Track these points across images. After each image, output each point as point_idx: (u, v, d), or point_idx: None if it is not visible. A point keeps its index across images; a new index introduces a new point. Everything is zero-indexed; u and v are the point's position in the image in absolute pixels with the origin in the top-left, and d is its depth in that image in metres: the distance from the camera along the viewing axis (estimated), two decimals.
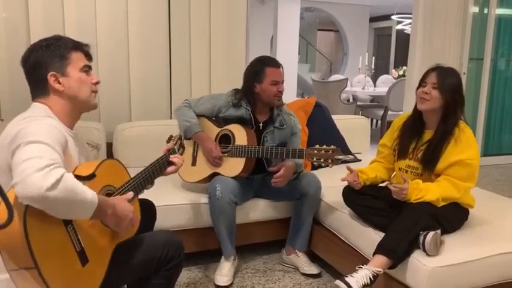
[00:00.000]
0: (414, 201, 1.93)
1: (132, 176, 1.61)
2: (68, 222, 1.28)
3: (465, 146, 1.96)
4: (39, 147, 1.22)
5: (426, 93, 1.99)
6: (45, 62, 1.45)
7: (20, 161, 1.17)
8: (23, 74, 1.50)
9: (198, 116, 2.47)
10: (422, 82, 2.04)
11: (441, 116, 2.01)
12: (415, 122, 2.10)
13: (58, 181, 1.15)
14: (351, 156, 2.13)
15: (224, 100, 2.47)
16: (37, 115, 1.39)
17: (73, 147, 1.47)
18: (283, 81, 2.41)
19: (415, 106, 2.09)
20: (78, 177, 1.28)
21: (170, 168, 1.77)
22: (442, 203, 1.94)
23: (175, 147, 1.83)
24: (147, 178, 1.64)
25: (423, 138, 2.07)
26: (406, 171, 2.10)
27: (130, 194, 1.50)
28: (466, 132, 1.99)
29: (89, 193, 1.24)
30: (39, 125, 1.32)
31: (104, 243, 1.44)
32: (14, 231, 1.15)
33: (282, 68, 2.43)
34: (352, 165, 2.17)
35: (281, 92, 2.40)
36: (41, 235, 1.19)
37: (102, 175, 1.44)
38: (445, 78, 1.98)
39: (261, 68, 2.38)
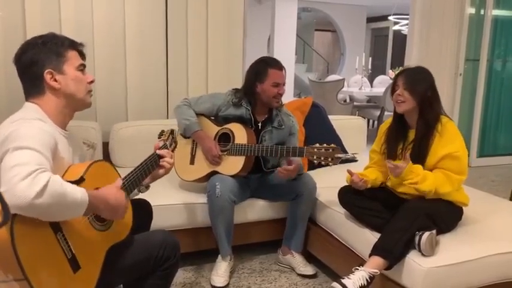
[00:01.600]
0: (407, 184, 1.97)
1: (122, 177, 1.58)
2: (57, 230, 1.26)
3: (449, 138, 2.00)
4: (26, 153, 1.21)
5: (399, 95, 2.05)
6: (41, 59, 1.43)
7: (7, 169, 1.16)
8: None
9: (198, 114, 2.47)
10: (394, 86, 2.10)
11: (419, 114, 2.06)
12: (398, 124, 2.15)
13: (44, 187, 1.13)
14: (351, 155, 2.13)
15: (224, 99, 2.47)
16: (28, 117, 1.37)
17: (65, 148, 1.45)
18: (284, 83, 2.43)
19: (395, 109, 2.14)
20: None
21: (161, 171, 1.74)
22: (431, 197, 1.97)
23: (167, 142, 1.81)
24: (138, 178, 1.62)
25: (409, 138, 2.11)
26: None
27: (119, 181, 1.48)
28: (448, 127, 2.03)
29: (78, 193, 1.23)
30: (29, 129, 1.30)
31: (96, 247, 1.42)
32: (1, 241, 1.13)
33: (285, 70, 2.44)
34: (358, 170, 2.18)
35: (281, 94, 2.42)
36: (29, 244, 1.17)
37: (92, 178, 1.42)
38: (412, 79, 2.05)
39: (264, 68, 2.39)
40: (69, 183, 1.23)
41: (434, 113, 2.05)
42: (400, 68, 7.07)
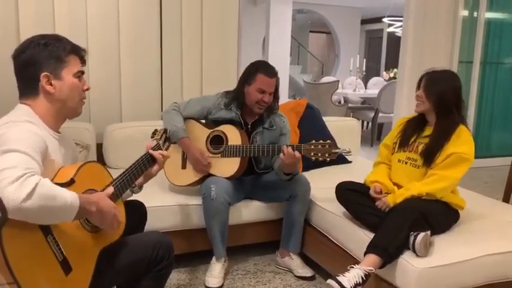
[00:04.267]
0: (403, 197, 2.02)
1: (114, 177, 1.57)
2: (47, 232, 1.25)
3: (462, 142, 2.05)
4: (15, 156, 1.20)
5: (418, 96, 2.13)
6: (40, 61, 1.41)
7: None
8: (11, 75, 1.46)
9: (187, 118, 2.46)
10: (417, 86, 2.17)
11: (436, 116, 2.11)
12: (419, 118, 2.21)
13: (33, 190, 1.12)
14: (347, 149, 2.16)
15: (213, 102, 2.46)
16: (18, 120, 1.35)
17: (56, 150, 1.44)
18: (271, 92, 2.38)
19: None
20: (57, 185, 1.24)
21: (155, 167, 1.73)
22: (426, 197, 2.01)
23: (160, 142, 1.81)
24: (130, 178, 1.61)
25: (424, 133, 2.16)
26: (406, 163, 2.16)
27: (111, 189, 1.47)
28: (463, 134, 2.07)
29: (68, 196, 1.22)
30: (19, 132, 1.29)
31: (87, 249, 1.41)
32: None
33: (277, 79, 2.39)
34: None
35: (265, 102, 2.36)
36: (19, 247, 1.16)
37: (83, 179, 1.41)
38: (432, 83, 2.10)
39: (254, 72, 2.36)
40: (58, 187, 1.22)
41: (453, 121, 2.08)
42: (395, 70, 7.14)
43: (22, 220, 1.15)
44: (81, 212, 1.26)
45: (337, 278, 1.80)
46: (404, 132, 2.23)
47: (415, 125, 2.21)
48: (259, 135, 2.45)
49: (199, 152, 2.36)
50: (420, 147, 2.11)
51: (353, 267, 1.84)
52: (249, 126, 2.46)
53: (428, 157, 2.06)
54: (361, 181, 2.27)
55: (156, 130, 1.88)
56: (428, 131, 2.14)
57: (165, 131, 1.88)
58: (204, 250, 2.46)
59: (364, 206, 2.11)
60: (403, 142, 2.19)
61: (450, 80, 2.13)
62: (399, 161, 2.18)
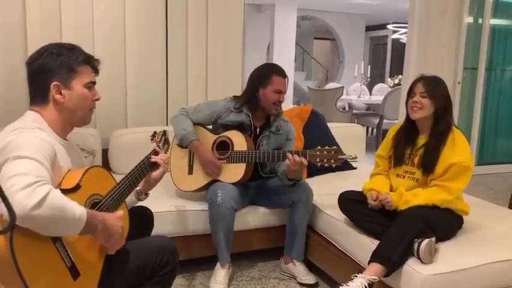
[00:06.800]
0: (405, 206, 2.00)
1: (117, 182, 1.58)
2: (56, 238, 1.25)
3: (460, 149, 2.04)
4: (26, 163, 1.20)
5: (416, 102, 2.07)
6: (51, 69, 1.42)
7: (6, 178, 1.15)
8: (19, 82, 1.47)
9: (195, 124, 2.47)
10: (410, 93, 2.12)
11: (433, 121, 2.09)
12: (408, 129, 2.17)
13: (43, 199, 1.13)
14: (353, 155, 2.16)
15: (223, 106, 2.47)
16: (27, 126, 1.35)
17: (64, 157, 1.45)
18: (285, 91, 2.45)
19: (407, 115, 2.16)
20: (64, 191, 1.26)
21: (157, 171, 1.75)
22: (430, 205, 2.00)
23: (160, 144, 1.81)
24: (132, 182, 1.62)
25: (418, 144, 2.13)
26: (404, 177, 2.14)
27: (120, 213, 1.47)
28: (459, 137, 2.07)
29: (77, 209, 1.21)
30: (29, 138, 1.29)
31: (94, 254, 1.42)
32: (1, 254, 1.12)
33: (288, 79, 2.46)
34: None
35: (281, 102, 2.43)
36: (29, 254, 1.17)
37: (88, 184, 1.42)
38: (433, 86, 2.08)
39: (269, 74, 2.41)
40: (68, 199, 1.22)
41: (447, 122, 2.09)
42: (399, 77, 7.15)
43: (28, 228, 1.15)
44: (87, 227, 1.26)
45: (341, 287, 1.80)
46: (396, 148, 2.18)
47: (406, 138, 2.16)
48: (266, 139, 2.47)
49: (211, 154, 2.37)
50: (416, 159, 2.09)
51: (357, 276, 1.84)
52: (257, 130, 2.48)
53: (427, 167, 2.04)
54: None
55: (155, 132, 1.89)
56: (422, 140, 2.12)
57: (164, 133, 1.89)
58: (207, 256, 2.45)
59: (367, 215, 2.11)
60: (398, 159, 2.15)
61: (443, 82, 2.13)
62: (397, 175, 2.17)
